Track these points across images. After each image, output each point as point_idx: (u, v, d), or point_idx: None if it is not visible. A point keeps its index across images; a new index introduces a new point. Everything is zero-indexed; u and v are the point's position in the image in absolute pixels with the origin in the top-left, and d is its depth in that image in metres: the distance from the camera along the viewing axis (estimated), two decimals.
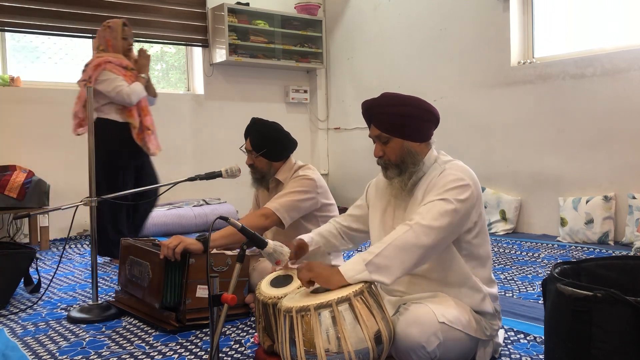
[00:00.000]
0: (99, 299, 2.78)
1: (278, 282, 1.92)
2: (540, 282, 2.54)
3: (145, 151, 3.92)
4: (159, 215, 5.21)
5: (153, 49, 6.20)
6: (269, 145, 2.71)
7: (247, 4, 6.12)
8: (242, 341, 2.29)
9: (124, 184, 3.83)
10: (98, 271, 2.89)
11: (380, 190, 2.05)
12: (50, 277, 3.30)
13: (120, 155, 3.87)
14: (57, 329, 2.54)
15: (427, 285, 1.87)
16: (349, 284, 1.65)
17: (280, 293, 1.83)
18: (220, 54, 5.96)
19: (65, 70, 5.52)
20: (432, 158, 1.91)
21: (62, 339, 2.38)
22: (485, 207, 4.95)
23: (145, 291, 2.52)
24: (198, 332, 2.39)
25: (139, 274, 2.56)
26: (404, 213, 1.92)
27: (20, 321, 2.67)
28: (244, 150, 2.79)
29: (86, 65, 3.84)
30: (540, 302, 2.73)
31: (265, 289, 1.90)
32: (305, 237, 2.14)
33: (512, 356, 2.06)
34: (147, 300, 2.52)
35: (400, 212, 1.94)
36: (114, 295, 2.95)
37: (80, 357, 2.17)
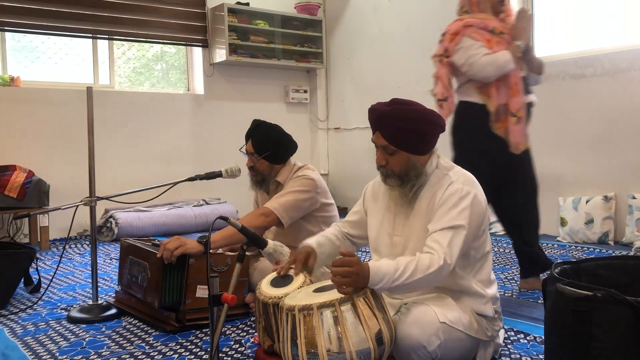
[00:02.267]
0: (99, 299, 2.78)
1: (278, 282, 1.92)
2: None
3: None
4: (159, 215, 5.21)
5: (153, 49, 6.21)
6: (271, 148, 2.70)
7: (247, 4, 6.12)
8: (242, 341, 2.29)
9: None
10: (98, 271, 2.89)
11: (378, 195, 2.03)
12: (50, 277, 3.30)
13: (471, 146, 2.91)
14: (57, 329, 2.54)
15: (430, 291, 1.88)
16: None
17: (280, 293, 1.83)
18: (220, 54, 5.96)
19: (65, 70, 5.52)
20: (433, 165, 1.90)
21: (62, 339, 2.38)
22: None
23: (144, 291, 2.53)
24: (198, 332, 2.39)
25: (138, 273, 2.57)
26: (405, 220, 1.91)
27: (20, 321, 2.67)
28: (245, 152, 2.78)
29: (443, 35, 3.02)
30: (540, 302, 2.73)
31: (266, 288, 1.90)
32: (310, 241, 2.04)
33: (512, 356, 2.06)
34: (147, 300, 2.52)
35: (400, 220, 1.92)
36: (114, 295, 2.95)
37: (80, 357, 2.17)
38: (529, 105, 2.95)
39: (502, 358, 2.04)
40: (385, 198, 1.98)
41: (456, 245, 1.73)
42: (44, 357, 2.18)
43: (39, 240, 4.72)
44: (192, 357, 2.14)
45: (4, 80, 5.01)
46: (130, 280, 2.66)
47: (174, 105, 5.92)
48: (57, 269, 3.15)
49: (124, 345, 2.29)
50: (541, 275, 3.05)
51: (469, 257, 1.85)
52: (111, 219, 5.07)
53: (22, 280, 3.14)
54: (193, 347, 2.24)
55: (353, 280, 1.62)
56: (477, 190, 1.82)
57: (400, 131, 1.82)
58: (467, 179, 1.86)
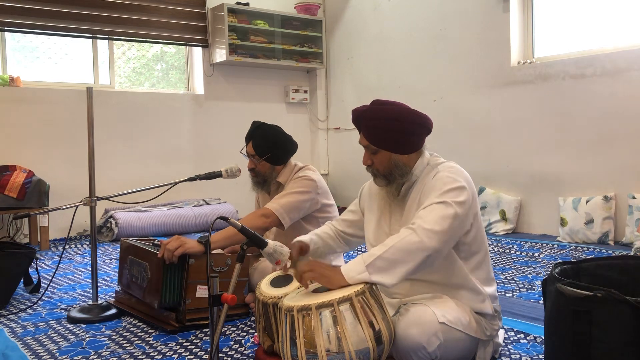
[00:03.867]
0: (99, 299, 2.78)
1: (278, 282, 1.92)
2: (540, 282, 2.55)
3: None
4: (158, 215, 5.21)
5: (153, 49, 6.21)
6: (272, 149, 2.70)
7: (247, 4, 6.12)
8: (242, 341, 2.29)
9: None
10: (98, 271, 2.89)
11: (374, 195, 2.04)
12: (50, 277, 3.30)
13: None
14: (57, 329, 2.54)
15: (427, 288, 1.87)
16: (350, 285, 1.65)
17: (280, 293, 1.83)
18: (220, 54, 5.96)
19: (65, 70, 5.52)
20: (424, 163, 1.90)
21: (62, 339, 2.38)
22: (485, 207, 4.95)
23: (144, 291, 2.52)
24: (198, 332, 2.39)
25: (138, 273, 2.57)
26: (400, 218, 1.92)
27: (20, 321, 2.67)
28: (245, 155, 2.78)
29: None
30: (540, 302, 2.73)
31: (266, 288, 1.90)
32: (304, 237, 2.12)
33: (512, 356, 2.06)
34: (146, 300, 2.52)
35: (396, 217, 1.94)
36: (114, 295, 2.95)
37: (80, 357, 2.17)
38: None
39: (502, 358, 2.04)
40: (380, 198, 1.99)
41: (436, 216, 1.70)
42: (44, 357, 2.18)
43: (39, 240, 4.72)
44: (192, 357, 2.14)
45: (4, 80, 5.01)
46: (130, 280, 2.66)
47: (174, 105, 5.92)
48: (57, 269, 3.15)
49: (124, 345, 2.29)
50: None
51: (460, 251, 1.85)
52: (111, 219, 5.07)
53: (22, 280, 3.14)
54: (193, 347, 2.24)
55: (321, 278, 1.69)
56: (465, 182, 1.80)
57: (380, 130, 1.84)
58: (456, 170, 1.85)
